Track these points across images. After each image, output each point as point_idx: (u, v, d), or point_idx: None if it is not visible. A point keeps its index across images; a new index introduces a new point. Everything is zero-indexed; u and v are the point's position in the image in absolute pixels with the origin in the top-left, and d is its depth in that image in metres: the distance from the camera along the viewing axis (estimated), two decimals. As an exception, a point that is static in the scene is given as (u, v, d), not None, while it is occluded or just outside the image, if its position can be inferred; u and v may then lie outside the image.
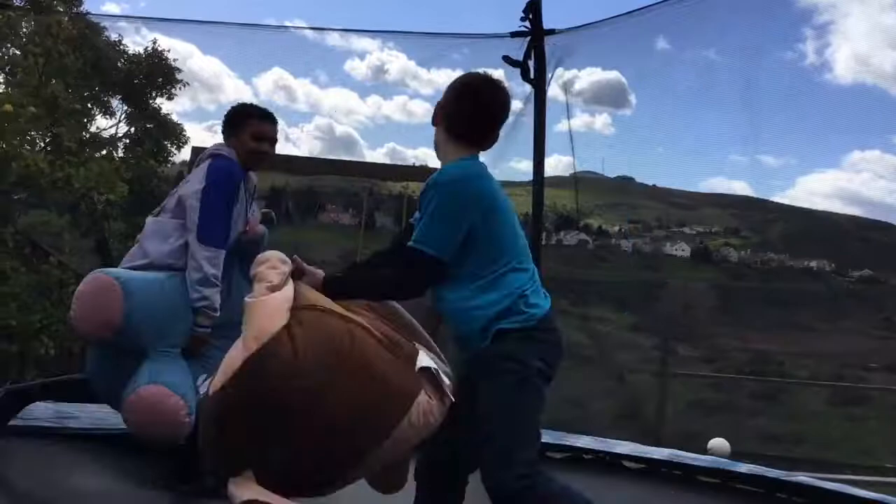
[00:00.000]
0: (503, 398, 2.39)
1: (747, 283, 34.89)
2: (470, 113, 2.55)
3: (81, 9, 11.13)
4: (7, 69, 9.86)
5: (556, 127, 5.98)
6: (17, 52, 10.14)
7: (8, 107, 8.48)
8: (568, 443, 4.64)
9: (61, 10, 11.09)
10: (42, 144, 9.51)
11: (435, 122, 2.63)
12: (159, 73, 11.76)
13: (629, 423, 13.01)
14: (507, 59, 5.45)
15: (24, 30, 10.01)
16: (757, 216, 38.83)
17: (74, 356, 9.30)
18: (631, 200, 42.36)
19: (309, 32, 7.34)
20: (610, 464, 4.44)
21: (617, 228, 41.12)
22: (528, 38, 5.51)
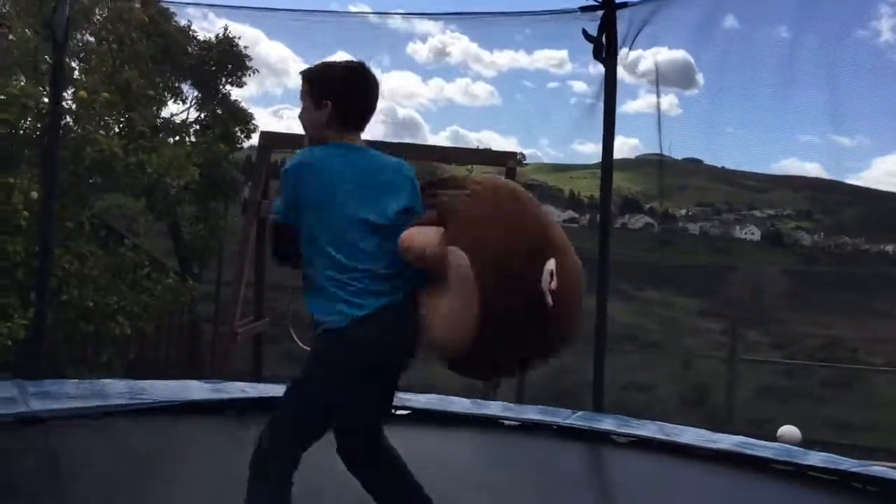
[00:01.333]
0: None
1: (820, 267, 33.93)
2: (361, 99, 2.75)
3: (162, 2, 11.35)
4: (81, 56, 10.12)
5: (620, 109, 5.88)
6: (91, 39, 10.41)
7: (83, 93, 8.73)
8: (632, 430, 4.60)
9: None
10: (116, 129, 9.76)
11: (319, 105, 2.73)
12: (230, 60, 11.94)
13: (696, 410, 12.84)
14: (585, 33, 5.36)
15: (98, 17, 10.26)
16: (830, 198, 37.68)
17: (148, 337, 9.60)
18: (699, 183, 41.52)
19: (372, 17, 7.37)
20: (674, 450, 4.38)
21: (684, 212, 40.36)
22: (601, 15, 5.38)
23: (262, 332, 7.43)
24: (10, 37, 9.43)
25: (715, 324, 21.89)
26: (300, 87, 2.77)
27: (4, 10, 9.91)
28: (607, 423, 4.68)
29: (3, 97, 8.14)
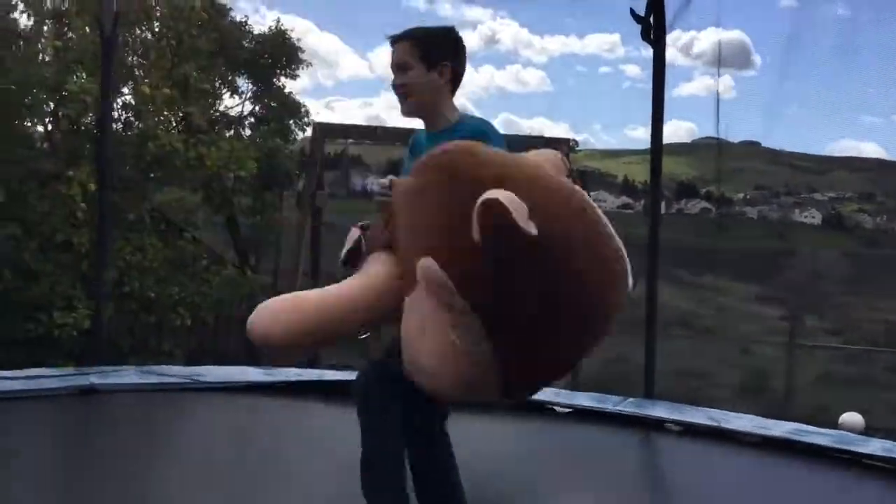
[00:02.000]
0: None
1: (883, 250, 33.02)
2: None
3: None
4: (139, 52, 10.35)
5: (674, 92, 5.80)
6: (150, 36, 10.64)
7: (145, 88, 8.95)
8: (682, 416, 4.57)
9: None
10: (175, 125, 9.98)
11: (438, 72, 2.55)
12: (283, 53, 12.10)
13: (754, 397, 12.66)
14: (632, 12, 5.29)
15: (157, 13, 10.47)
16: (892, 180, 36.60)
17: (208, 327, 9.82)
18: (757, 166, 40.72)
19: (421, 5, 7.39)
20: (726, 438, 4.34)
21: (741, 195, 39.65)
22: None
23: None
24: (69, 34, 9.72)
25: (773, 309, 21.53)
26: (397, 53, 2.56)
27: (64, 8, 10.19)
28: (658, 410, 4.66)
29: (64, 94, 8.42)
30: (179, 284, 8.70)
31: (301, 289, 6.77)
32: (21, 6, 8.09)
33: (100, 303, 5.78)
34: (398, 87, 2.57)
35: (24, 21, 8.25)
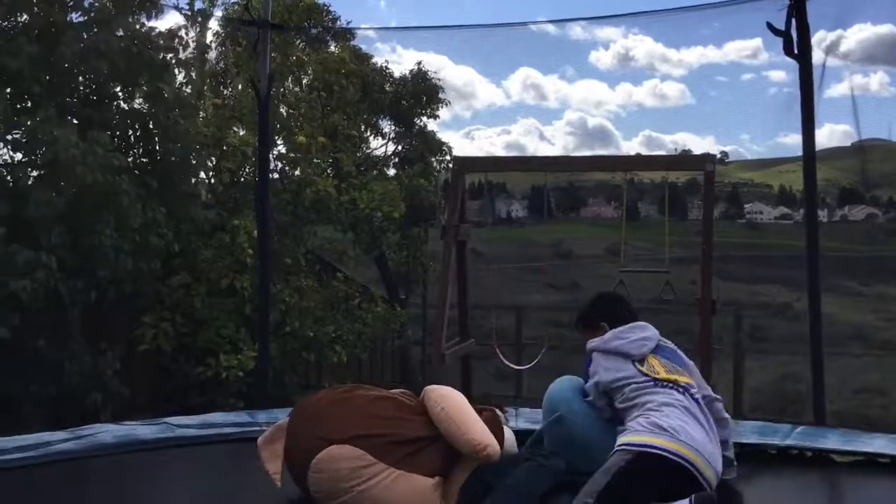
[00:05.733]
0: None
1: None
2: None
3: (353, 42, 12.06)
4: (292, 105, 10.90)
5: (825, 94, 5.50)
6: (298, 89, 11.20)
7: (302, 138, 9.44)
8: (858, 446, 4.20)
9: (335, 45, 12.12)
10: (328, 170, 10.45)
11: None
12: (424, 93, 12.42)
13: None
14: (770, 26, 5.06)
15: (309, 68, 11.04)
16: None
17: (363, 363, 10.12)
18: (926, 165, 37.90)
19: (552, 29, 7.42)
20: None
21: (911, 198, 36.94)
22: (787, 5, 5.07)
23: (469, 352, 7.61)
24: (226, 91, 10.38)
25: (957, 318, 19.83)
26: None
27: (219, 67, 10.90)
28: (831, 441, 4.28)
29: (224, 148, 8.99)
30: (335, 323, 9.02)
31: (450, 320, 6.79)
32: (180, 69, 8.71)
33: (265, 345, 6.09)
34: None
35: (181, 79, 8.85)
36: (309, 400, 3.50)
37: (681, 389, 3.30)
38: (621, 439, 3.18)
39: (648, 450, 3.06)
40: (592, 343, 3.63)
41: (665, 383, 3.32)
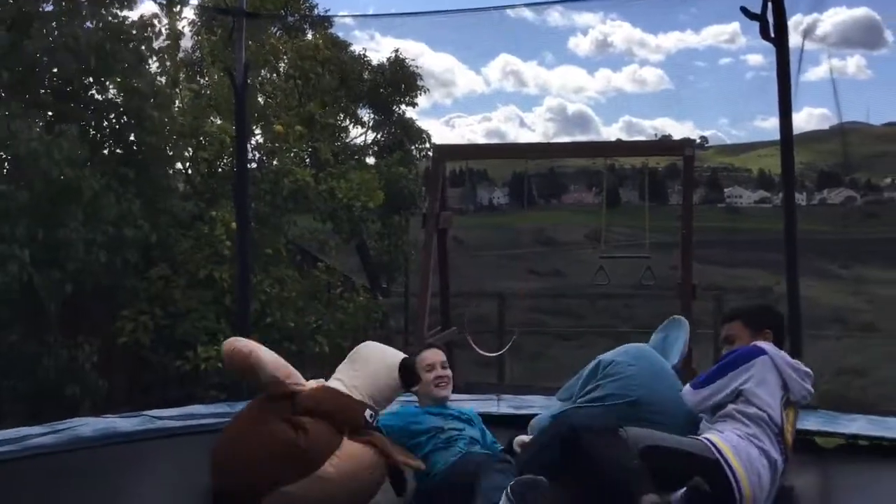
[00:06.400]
0: None
1: None
2: None
3: (331, 30, 11.99)
4: (269, 93, 10.81)
5: (803, 77, 5.49)
6: (275, 77, 11.11)
7: (279, 127, 9.36)
8: (838, 427, 4.20)
9: (312, 34, 12.03)
10: (306, 160, 10.37)
11: None
12: (402, 81, 12.36)
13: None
14: (744, 10, 5.05)
15: (284, 56, 10.94)
16: None
17: (345, 353, 10.07)
18: (904, 148, 38.27)
19: (529, 15, 7.38)
20: (887, 451, 3.97)
21: (889, 180, 37.31)
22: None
23: (451, 340, 7.60)
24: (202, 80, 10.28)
25: (934, 299, 20.07)
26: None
27: (195, 57, 10.79)
28: (810, 422, 4.27)
29: (201, 139, 8.90)
30: (317, 313, 8.98)
31: (432, 309, 6.76)
32: (154, 59, 8.60)
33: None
34: (447, 378, 3.63)
35: (155, 69, 8.73)
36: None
37: (782, 451, 3.13)
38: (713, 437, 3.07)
39: (727, 466, 2.95)
40: (764, 345, 3.28)
41: (779, 440, 3.13)
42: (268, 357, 3.17)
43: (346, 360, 3.39)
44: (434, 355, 3.59)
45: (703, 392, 3.25)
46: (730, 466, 2.96)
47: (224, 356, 3.24)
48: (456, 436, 3.31)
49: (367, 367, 3.27)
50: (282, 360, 3.23)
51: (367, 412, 3.15)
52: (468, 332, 7.16)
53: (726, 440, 3.03)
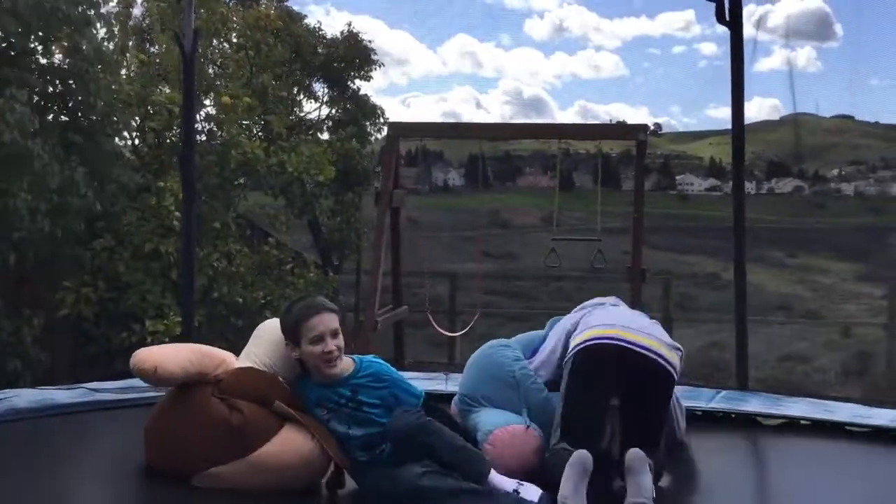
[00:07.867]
0: None
1: None
2: None
3: (286, 2, 11.78)
4: (219, 63, 10.59)
5: (754, 68, 5.53)
6: (227, 46, 10.88)
7: (226, 99, 9.16)
8: (780, 409, 4.32)
9: (265, 3, 11.80)
10: (256, 132, 10.18)
11: None
12: (356, 55, 12.22)
13: (857, 380, 12.14)
14: None
15: (235, 25, 10.70)
16: None
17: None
18: (851, 140, 39.11)
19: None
20: (830, 429, 4.09)
21: (836, 171, 38.12)
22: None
23: (402, 319, 7.57)
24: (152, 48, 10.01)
25: (876, 288, 20.61)
26: (332, 322, 3.07)
27: (145, 24, 10.51)
28: (753, 404, 4.39)
29: (149, 108, 8.68)
30: (265, 288, 8.86)
31: (383, 287, 6.70)
32: (102, 24, 8.34)
33: (189, 311, 5.91)
34: (338, 350, 2.98)
35: (102, 35, 8.47)
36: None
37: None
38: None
39: (585, 344, 3.03)
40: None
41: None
42: (174, 364, 3.06)
43: (250, 340, 3.32)
44: (322, 322, 2.95)
45: (535, 359, 3.47)
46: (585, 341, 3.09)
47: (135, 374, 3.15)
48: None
49: (271, 342, 3.20)
50: (194, 355, 3.14)
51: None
52: (430, 311, 7.13)
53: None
